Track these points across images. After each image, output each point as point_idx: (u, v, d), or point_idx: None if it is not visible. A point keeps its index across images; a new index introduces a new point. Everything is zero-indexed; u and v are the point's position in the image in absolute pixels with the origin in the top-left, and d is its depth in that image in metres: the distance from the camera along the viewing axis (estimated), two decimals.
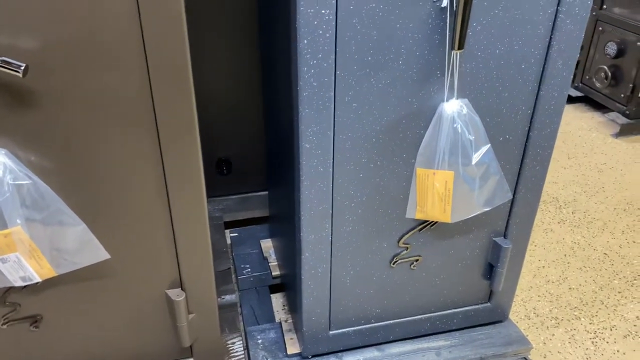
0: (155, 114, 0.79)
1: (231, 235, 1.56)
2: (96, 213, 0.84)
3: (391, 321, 1.15)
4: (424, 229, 1.04)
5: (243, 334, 1.25)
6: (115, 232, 0.87)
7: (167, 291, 0.96)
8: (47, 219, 0.80)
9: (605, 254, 1.65)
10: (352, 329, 1.14)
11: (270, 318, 1.31)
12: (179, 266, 0.94)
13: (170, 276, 0.96)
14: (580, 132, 2.40)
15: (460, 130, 0.89)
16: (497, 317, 1.22)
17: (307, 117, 0.85)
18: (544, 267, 1.59)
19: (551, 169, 2.10)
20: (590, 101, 2.63)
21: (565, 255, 1.64)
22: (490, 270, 1.14)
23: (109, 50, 0.73)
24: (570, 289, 1.51)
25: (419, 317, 1.17)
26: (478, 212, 0.98)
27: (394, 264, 1.07)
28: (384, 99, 0.88)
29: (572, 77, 0.94)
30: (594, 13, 2.47)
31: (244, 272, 1.41)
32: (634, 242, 1.70)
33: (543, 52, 0.90)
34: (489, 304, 1.20)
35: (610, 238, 1.72)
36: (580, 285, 1.53)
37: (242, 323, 1.29)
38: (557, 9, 0.86)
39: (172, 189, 0.86)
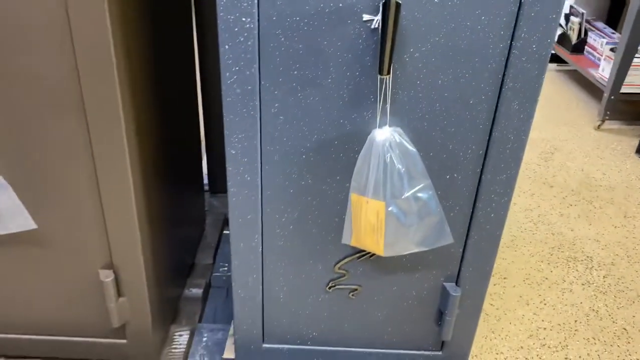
0: (82, 95, 0.83)
1: (224, 232, 1.58)
2: (27, 184, 0.90)
3: (328, 348, 1.11)
4: (362, 258, 0.99)
5: (195, 329, 1.27)
6: (46, 206, 0.93)
7: (99, 270, 1.01)
8: None
9: (624, 329, 1.45)
10: (286, 346, 1.11)
11: (230, 320, 1.32)
12: (110, 248, 0.98)
13: (104, 257, 1.00)
14: None
15: (389, 161, 0.83)
16: None
17: (231, 123, 0.85)
18: (545, 329, 1.44)
19: (599, 226, 1.89)
20: None
21: (575, 321, 1.47)
22: (440, 317, 1.05)
23: (37, 33, 0.78)
24: (566, 359, 1.35)
25: (361, 350, 1.11)
26: (414, 251, 0.92)
27: (329, 288, 1.03)
28: (313, 117, 0.85)
29: (532, 120, 0.84)
30: None
31: (220, 270, 1.43)
32: None
33: (495, 90, 0.82)
34: (440, 352, 1.11)
35: (639, 313, 1.50)
36: (580, 357, 1.36)
37: (198, 318, 1.30)
38: (510, 44, 0.78)
39: (100, 171, 0.90)
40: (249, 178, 0.90)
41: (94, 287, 1.02)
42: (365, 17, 0.76)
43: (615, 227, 1.90)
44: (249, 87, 0.82)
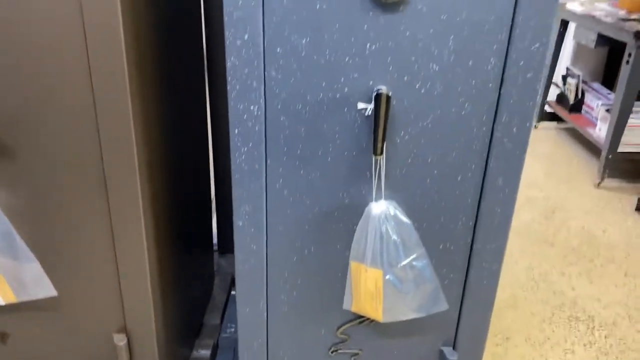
0: (103, 167, 0.91)
1: (232, 292, 1.63)
2: (48, 253, 0.98)
3: None
4: (363, 323, 1.04)
5: None
6: (66, 273, 1.00)
7: (114, 335, 1.06)
8: (9, 253, 0.95)
9: None
10: None
11: None
12: (124, 313, 1.04)
13: (118, 321, 1.05)
14: None
15: (385, 231, 0.90)
16: None
17: (240, 197, 0.93)
18: None
19: (600, 285, 1.92)
20: None
21: None
22: None
23: (63, 111, 0.88)
24: None
25: None
26: (411, 317, 0.97)
27: (332, 352, 1.07)
28: (315, 191, 0.92)
29: (516, 196, 0.91)
30: None
31: (227, 331, 1.48)
32: None
33: (481, 168, 0.89)
34: None
35: None
36: None
37: None
38: (492, 127, 0.86)
39: (117, 239, 0.97)
40: (255, 247, 0.97)
41: (108, 350, 1.07)
42: (360, 105, 0.85)
43: (616, 286, 1.92)
44: (256, 166, 0.90)
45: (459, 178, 0.90)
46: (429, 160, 0.89)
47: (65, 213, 0.95)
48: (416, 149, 0.88)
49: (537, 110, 3.32)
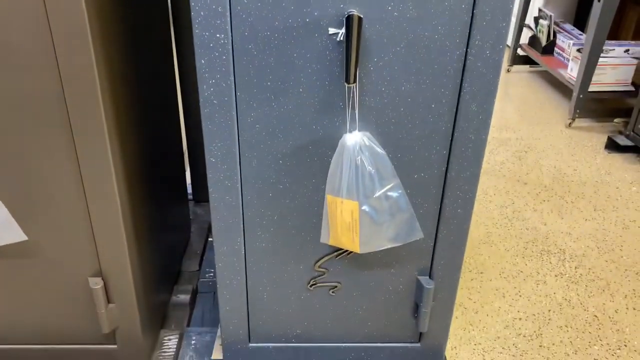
0: (67, 110, 0.88)
1: (209, 239, 1.63)
2: (17, 198, 0.95)
3: (312, 344, 1.16)
4: (340, 256, 1.05)
5: (183, 333, 1.31)
6: (34, 217, 0.97)
7: (88, 278, 1.05)
8: None
9: (595, 316, 1.52)
10: (272, 345, 1.16)
11: (217, 324, 1.36)
12: (98, 257, 1.03)
13: (92, 265, 1.04)
14: (619, 184, 2.22)
15: (360, 163, 0.89)
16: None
17: (210, 132, 0.90)
18: (520, 319, 1.50)
19: (571, 220, 1.97)
20: None
21: (549, 310, 1.54)
22: (416, 309, 1.11)
23: (21, 53, 0.83)
24: (540, 346, 1.42)
25: (343, 345, 1.16)
26: (387, 247, 0.97)
27: (311, 286, 1.08)
28: (287, 124, 0.90)
29: (490, 121, 0.91)
30: None
31: (207, 275, 1.48)
32: (634, 309, 1.55)
33: (455, 94, 0.88)
34: (419, 344, 1.17)
35: (609, 300, 1.58)
36: (553, 344, 1.42)
37: (187, 322, 1.35)
38: (466, 51, 0.85)
39: (86, 183, 0.94)
40: (229, 184, 0.95)
41: (84, 294, 1.06)
42: (331, 30, 0.82)
43: (586, 220, 1.98)
44: (226, 99, 0.87)
45: (432, 105, 0.89)
46: (402, 88, 0.88)
47: (32, 157, 0.92)
48: (389, 76, 0.86)
49: (509, 54, 3.32)
